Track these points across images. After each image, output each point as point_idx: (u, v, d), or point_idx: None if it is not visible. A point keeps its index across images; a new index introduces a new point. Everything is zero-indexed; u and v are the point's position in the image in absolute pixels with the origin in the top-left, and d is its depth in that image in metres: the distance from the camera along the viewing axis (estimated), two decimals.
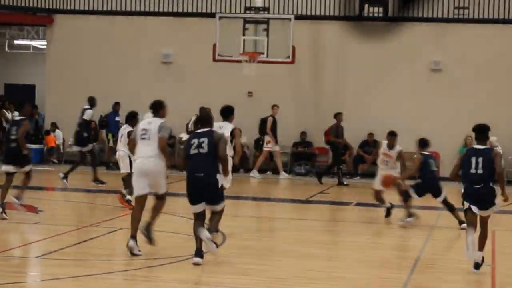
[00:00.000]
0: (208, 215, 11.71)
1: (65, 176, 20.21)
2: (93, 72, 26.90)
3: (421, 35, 25.40)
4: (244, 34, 22.08)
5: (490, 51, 25.13)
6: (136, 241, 11.64)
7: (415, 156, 15.74)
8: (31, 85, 31.31)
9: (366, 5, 25.65)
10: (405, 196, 15.48)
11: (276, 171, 25.08)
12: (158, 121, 11.85)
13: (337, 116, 23.68)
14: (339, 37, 25.71)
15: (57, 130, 26.98)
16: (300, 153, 25.75)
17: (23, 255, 11.87)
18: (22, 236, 13.65)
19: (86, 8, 26.98)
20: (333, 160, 24.14)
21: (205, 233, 11.22)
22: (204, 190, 11.32)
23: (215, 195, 11.43)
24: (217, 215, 11.80)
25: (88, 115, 20.70)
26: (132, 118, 17.02)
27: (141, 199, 11.90)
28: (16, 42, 30.63)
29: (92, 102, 21.03)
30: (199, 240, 11.28)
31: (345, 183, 23.28)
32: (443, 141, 25.16)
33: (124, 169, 16.41)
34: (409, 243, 13.91)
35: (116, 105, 24.73)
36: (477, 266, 11.40)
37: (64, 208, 17.35)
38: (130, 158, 17.12)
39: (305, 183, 23.83)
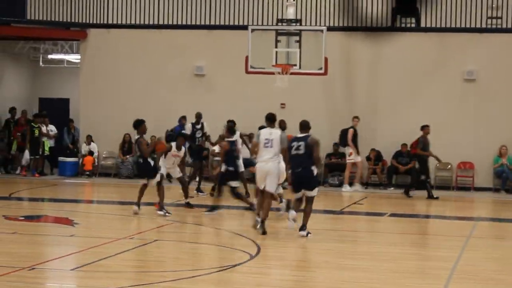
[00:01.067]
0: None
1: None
2: (126, 85, 27.05)
3: (454, 45, 25.28)
4: (276, 46, 22.01)
5: None
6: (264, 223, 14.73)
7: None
8: (65, 99, 31.51)
9: (399, 16, 25.59)
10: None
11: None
12: (277, 132, 15.16)
13: (424, 128, 22.97)
14: (371, 48, 25.64)
15: (92, 143, 27.13)
16: (333, 164, 25.68)
17: (58, 267, 11.93)
18: (58, 248, 13.72)
19: (119, 22, 27.15)
20: (421, 173, 22.93)
21: (292, 213, 14.79)
22: (302, 182, 14.63)
23: (310, 183, 14.65)
24: (308, 208, 14.72)
25: (187, 129, 22.31)
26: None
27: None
28: (50, 56, 30.84)
29: (198, 117, 22.49)
30: (302, 217, 14.65)
31: (435, 196, 22.56)
32: (477, 151, 25.03)
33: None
34: (444, 253, 13.81)
35: (183, 119, 24.37)
36: None
37: (99, 221, 17.43)
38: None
39: (339, 194, 23.78)
